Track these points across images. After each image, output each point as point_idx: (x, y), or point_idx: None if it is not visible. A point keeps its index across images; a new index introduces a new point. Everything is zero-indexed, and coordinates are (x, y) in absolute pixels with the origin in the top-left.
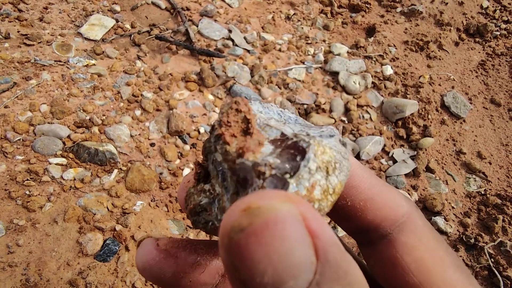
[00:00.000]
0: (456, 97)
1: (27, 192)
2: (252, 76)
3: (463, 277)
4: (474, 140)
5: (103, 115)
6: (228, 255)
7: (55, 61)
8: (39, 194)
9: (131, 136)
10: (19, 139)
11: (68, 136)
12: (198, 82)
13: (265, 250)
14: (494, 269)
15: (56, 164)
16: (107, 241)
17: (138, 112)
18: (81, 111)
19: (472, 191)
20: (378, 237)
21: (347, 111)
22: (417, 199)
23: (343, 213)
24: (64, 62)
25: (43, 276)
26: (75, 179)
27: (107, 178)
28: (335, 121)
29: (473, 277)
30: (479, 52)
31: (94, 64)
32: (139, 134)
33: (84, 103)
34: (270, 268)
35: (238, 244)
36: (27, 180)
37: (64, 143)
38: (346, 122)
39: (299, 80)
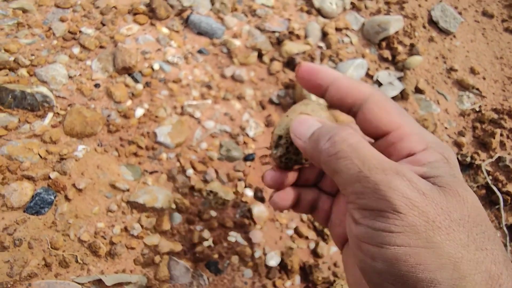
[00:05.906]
0: (444, 9)
1: None
2: (212, 4)
3: (412, 121)
4: (466, 56)
5: (32, 55)
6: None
7: None
8: None
9: (70, 77)
10: None
11: None
12: (148, 14)
13: (301, 126)
14: (492, 186)
15: None
16: (39, 190)
17: (76, 50)
18: (2, 51)
19: (466, 109)
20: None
21: (324, 36)
22: None
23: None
24: None
25: None
26: None
27: (40, 123)
28: (311, 47)
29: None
30: None
31: None
32: (80, 75)
33: (6, 42)
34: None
35: (293, 129)
36: None
37: None
38: (324, 48)
39: (268, 6)
